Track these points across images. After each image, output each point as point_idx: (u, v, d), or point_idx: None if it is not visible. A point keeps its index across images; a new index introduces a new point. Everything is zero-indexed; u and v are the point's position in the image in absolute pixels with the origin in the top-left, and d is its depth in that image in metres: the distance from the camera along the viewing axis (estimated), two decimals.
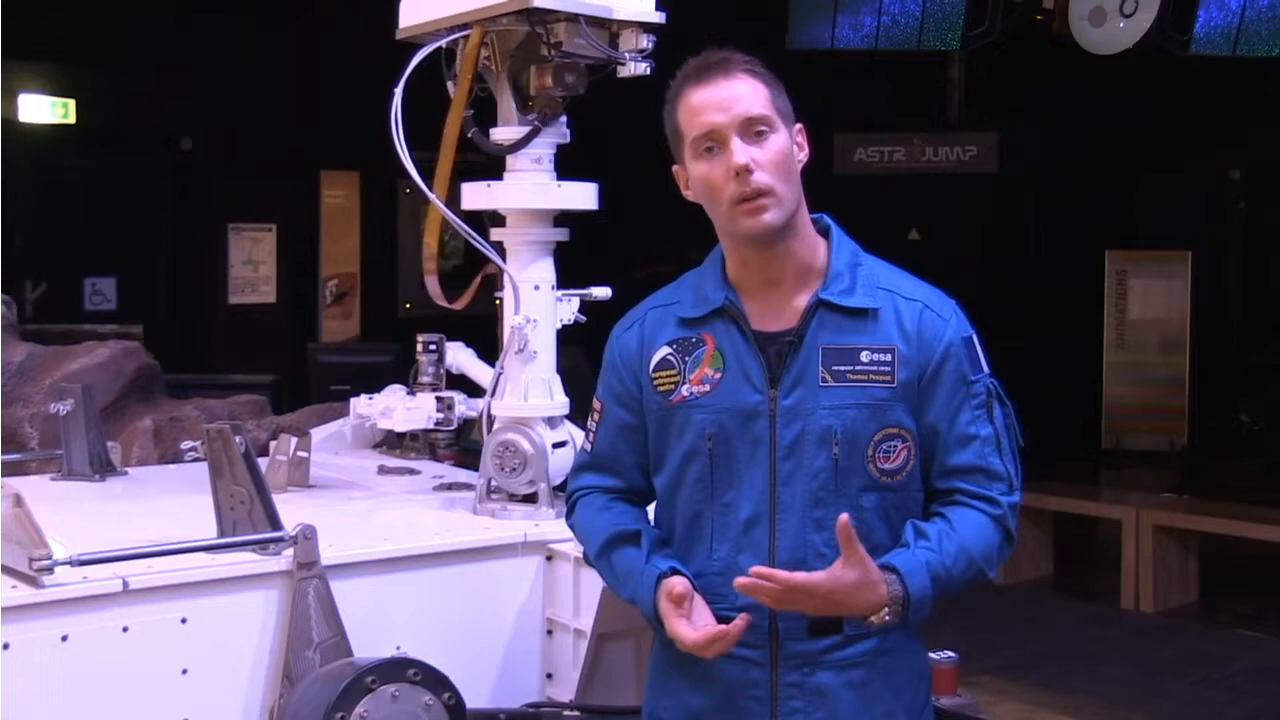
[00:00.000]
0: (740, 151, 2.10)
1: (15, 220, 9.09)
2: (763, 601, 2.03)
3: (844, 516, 2.00)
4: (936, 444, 2.17)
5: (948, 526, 2.12)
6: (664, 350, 2.22)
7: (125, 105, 9.42)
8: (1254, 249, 11.85)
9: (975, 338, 2.21)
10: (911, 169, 11.36)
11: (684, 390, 2.19)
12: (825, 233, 2.25)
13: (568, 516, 2.42)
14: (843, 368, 2.13)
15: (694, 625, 2.08)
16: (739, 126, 2.11)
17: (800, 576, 2.00)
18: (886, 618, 2.04)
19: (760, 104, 2.13)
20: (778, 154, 2.12)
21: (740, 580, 2.01)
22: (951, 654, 2.48)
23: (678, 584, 2.11)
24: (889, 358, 2.14)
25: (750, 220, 2.11)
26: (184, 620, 2.33)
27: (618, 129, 6.32)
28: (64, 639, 2.21)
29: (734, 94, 2.12)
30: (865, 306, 2.16)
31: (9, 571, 2.27)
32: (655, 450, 2.25)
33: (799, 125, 2.20)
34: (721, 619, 2.15)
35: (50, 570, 2.19)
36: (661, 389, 2.21)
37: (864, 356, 2.14)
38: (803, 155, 2.20)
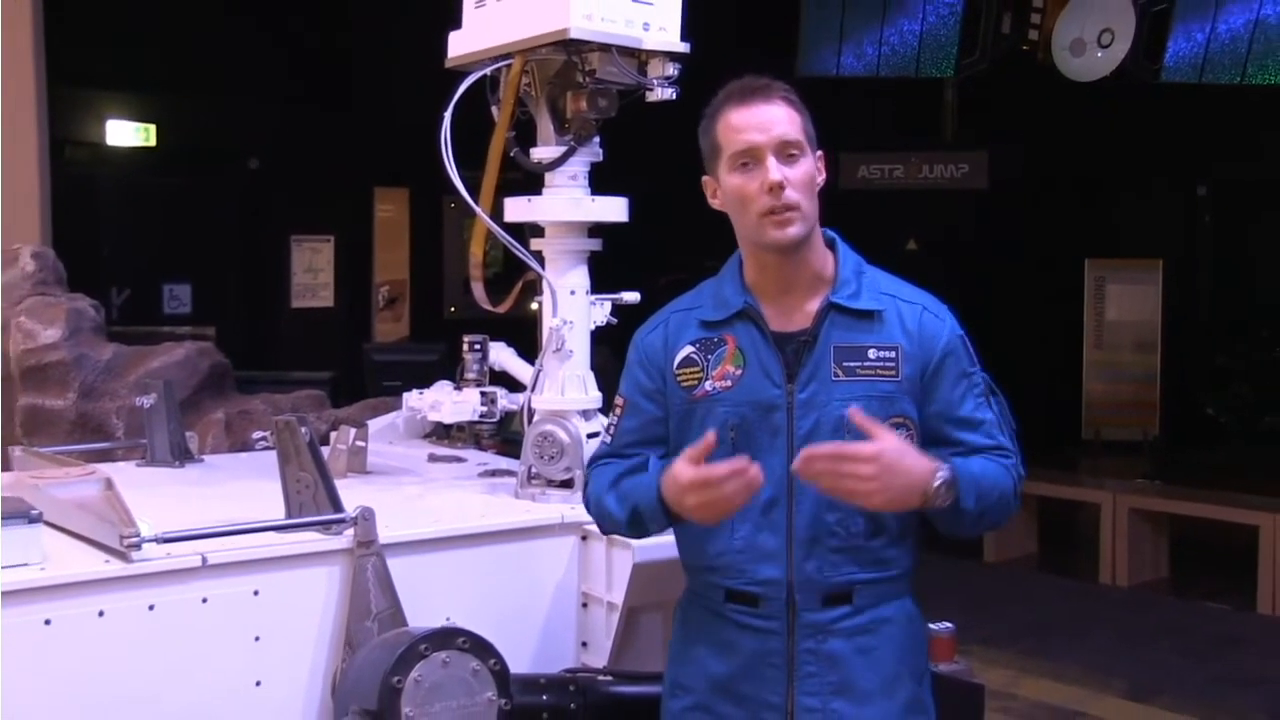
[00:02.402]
0: (775, 170, 2.11)
1: (102, 233, 9.17)
2: (822, 483, 2.00)
3: (852, 408, 2.03)
4: (947, 430, 2.18)
5: (968, 462, 2.13)
6: (687, 349, 2.21)
7: (200, 129, 9.47)
8: (1220, 258, 11.77)
9: (966, 336, 2.23)
10: (909, 185, 11.29)
11: (707, 385, 2.18)
12: (830, 245, 2.25)
13: (583, 492, 2.39)
14: (853, 364, 2.14)
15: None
16: (775, 147, 2.12)
17: (850, 445, 1.99)
18: (943, 476, 2.01)
19: (795, 129, 2.14)
20: (806, 175, 2.14)
21: (799, 463, 1.99)
22: (948, 625, 2.48)
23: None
24: (893, 355, 2.15)
25: (777, 232, 2.12)
26: (256, 593, 2.34)
27: (647, 149, 6.30)
28: (150, 608, 2.22)
29: (773, 117, 2.13)
30: (871, 309, 2.17)
31: (102, 547, 2.28)
32: (676, 440, 2.23)
33: (820, 152, 2.20)
34: (742, 594, 2.16)
35: (138, 546, 2.20)
36: (685, 384, 2.20)
37: (871, 354, 2.15)
38: (821, 178, 2.20)
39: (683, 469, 2.05)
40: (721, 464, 2.01)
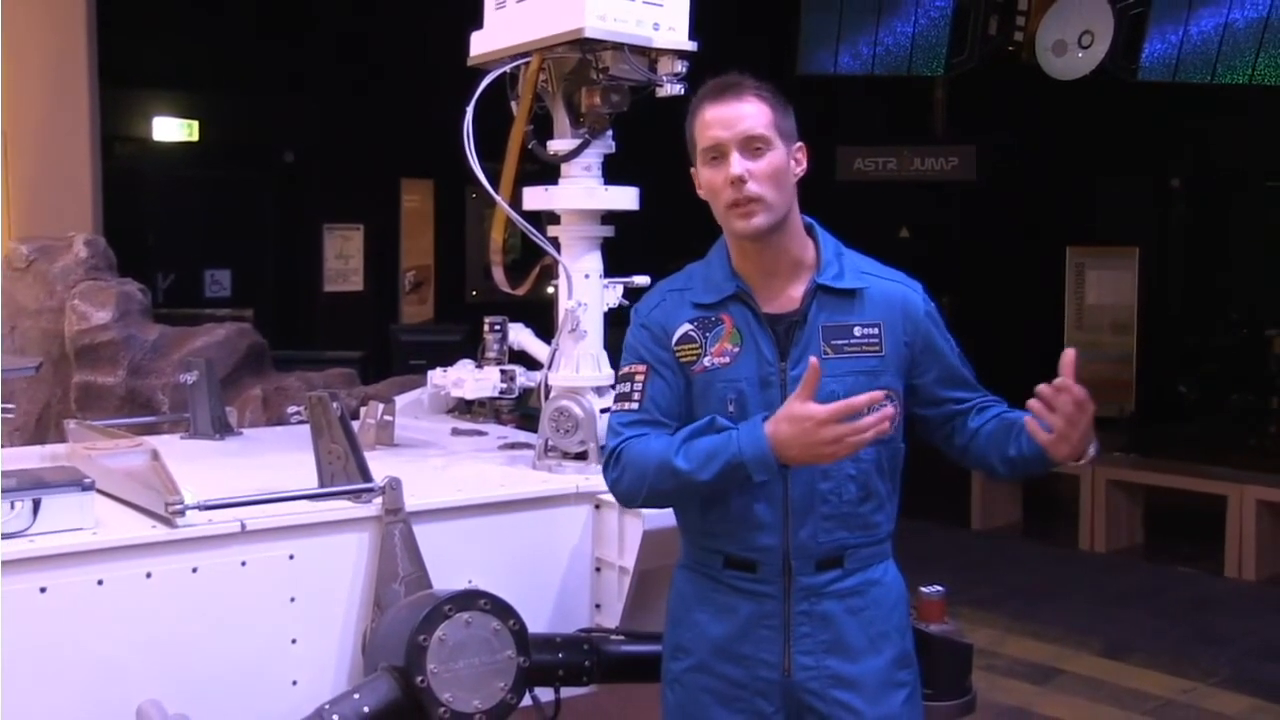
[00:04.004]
0: (737, 164, 2.08)
1: (149, 222, 9.17)
2: (1064, 405, 2.08)
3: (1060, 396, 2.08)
4: (951, 392, 2.24)
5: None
6: (685, 327, 2.18)
7: (239, 125, 9.45)
8: (1191, 247, 11.73)
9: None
10: (902, 176, 11.24)
11: (706, 361, 2.15)
12: (809, 231, 2.23)
13: (611, 469, 2.16)
14: (840, 341, 2.13)
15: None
16: (740, 142, 2.09)
17: (1083, 393, 2.10)
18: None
19: (762, 125, 2.10)
20: (771, 168, 2.10)
21: (1063, 378, 2.08)
22: (939, 588, 2.47)
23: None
24: (876, 331, 2.15)
25: (741, 222, 2.11)
26: (291, 557, 2.34)
27: (657, 141, 6.27)
28: (194, 570, 2.22)
29: (740, 114, 2.10)
30: (854, 287, 2.16)
31: (149, 513, 2.28)
32: None
33: (799, 144, 2.17)
34: (740, 560, 2.14)
35: (182, 513, 2.20)
36: (684, 360, 2.17)
37: (856, 331, 2.14)
38: (799, 169, 2.17)
39: (812, 406, 1.95)
40: (863, 395, 1.98)
